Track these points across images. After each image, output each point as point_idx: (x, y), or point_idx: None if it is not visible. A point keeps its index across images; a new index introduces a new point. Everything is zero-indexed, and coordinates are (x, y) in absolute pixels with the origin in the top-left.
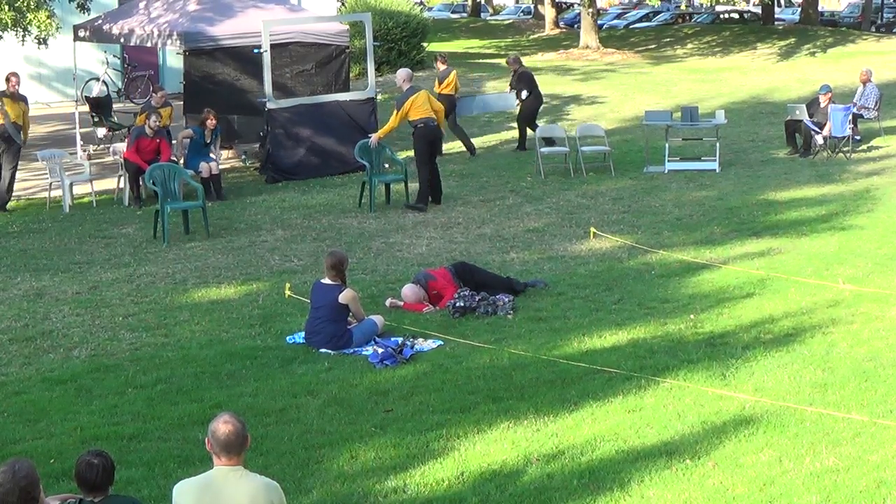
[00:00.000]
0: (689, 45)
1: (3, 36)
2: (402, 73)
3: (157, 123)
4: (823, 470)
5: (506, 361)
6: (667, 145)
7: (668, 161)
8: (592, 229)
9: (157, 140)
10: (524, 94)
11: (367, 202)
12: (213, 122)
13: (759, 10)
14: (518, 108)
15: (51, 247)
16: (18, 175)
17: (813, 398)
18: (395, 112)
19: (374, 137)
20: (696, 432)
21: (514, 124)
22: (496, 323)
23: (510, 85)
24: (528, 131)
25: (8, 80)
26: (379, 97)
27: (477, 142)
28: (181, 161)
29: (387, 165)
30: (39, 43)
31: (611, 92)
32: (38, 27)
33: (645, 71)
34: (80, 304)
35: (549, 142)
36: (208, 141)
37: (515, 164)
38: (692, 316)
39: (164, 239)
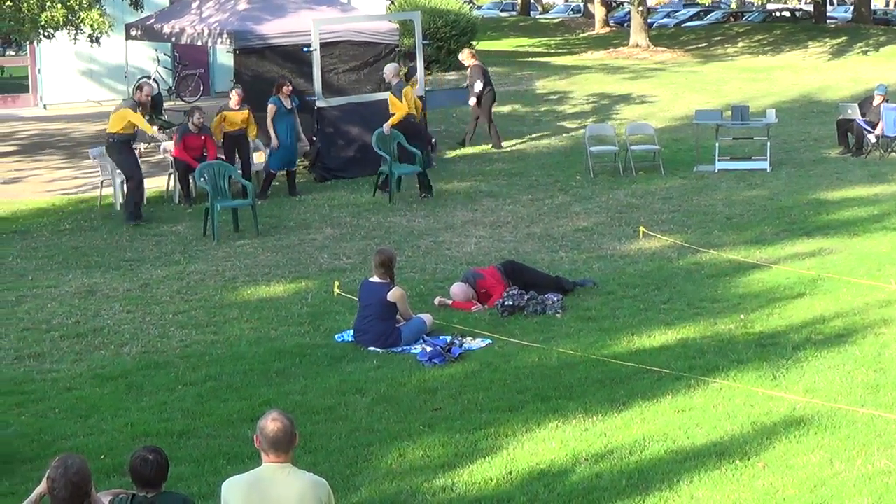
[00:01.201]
0: (740, 44)
1: (56, 35)
2: (392, 67)
3: (201, 120)
4: (875, 472)
5: (554, 361)
6: (717, 144)
7: (719, 160)
8: (642, 228)
9: (202, 137)
10: (478, 86)
11: (380, 193)
12: (289, 88)
13: (810, 8)
14: (474, 102)
15: (102, 244)
16: (69, 172)
17: (865, 399)
18: (398, 100)
19: (386, 125)
20: (746, 433)
21: (566, 123)
22: (545, 322)
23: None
24: (487, 126)
25: (140, 88)
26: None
27: (526, 139)
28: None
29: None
30: (92, 41)
31: (661, 91)
32: (91, 25)
33: (695, 70)
34: (131, 302)
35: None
36: (289, 107)
37: (564, 162)
38: (742, 316)
39: (214, 237)
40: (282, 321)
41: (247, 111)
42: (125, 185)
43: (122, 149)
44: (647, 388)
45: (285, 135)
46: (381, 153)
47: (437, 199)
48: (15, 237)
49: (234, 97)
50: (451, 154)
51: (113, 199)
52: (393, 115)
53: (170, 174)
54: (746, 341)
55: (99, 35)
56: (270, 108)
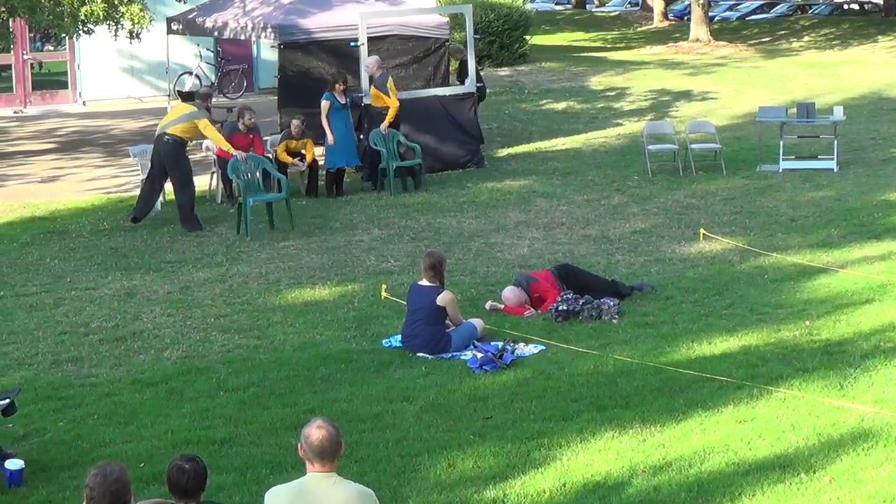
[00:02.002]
0: (806, 38)
1: (95, 30)
2: (374, 60)
3: (252, 121)
4: None
5: (611, 368)
6: (781, 143)
7: (783, 160)
8: (702, 231)
9: (251, 136)
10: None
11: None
12: (342, 86)
13: (880, 0)
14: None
15: (142, 245)
16: (109, 171)
17: None
18: (386, 95)
19: (383, 125)
20: (812, 445)
21: (623, 120)
22: (601, 328)
23: (457, 76)
24: None
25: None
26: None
27: (581, 138)
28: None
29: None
30: (132, 37)
31: (722, 87)
32: (132, 20)
33: (758, 65)
34: (172, 305)
35: None
36: (343, 102)
37: (621, 161)
38: (807, 322)
39: (247, 232)
40: (327, 325)
41: (307, 140)
42: (182, 191)
43: (179, 152)
44: (707, 398)
45: (341, 131)
46: (377, 149)
47: (488, 200)
48: (53, 237)
49: (295, 126)
50: (502, 152)
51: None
52: (380, 109)
53: (212, 173)
54: (812, 349)
55: (139, 30)
56: (324, 104)
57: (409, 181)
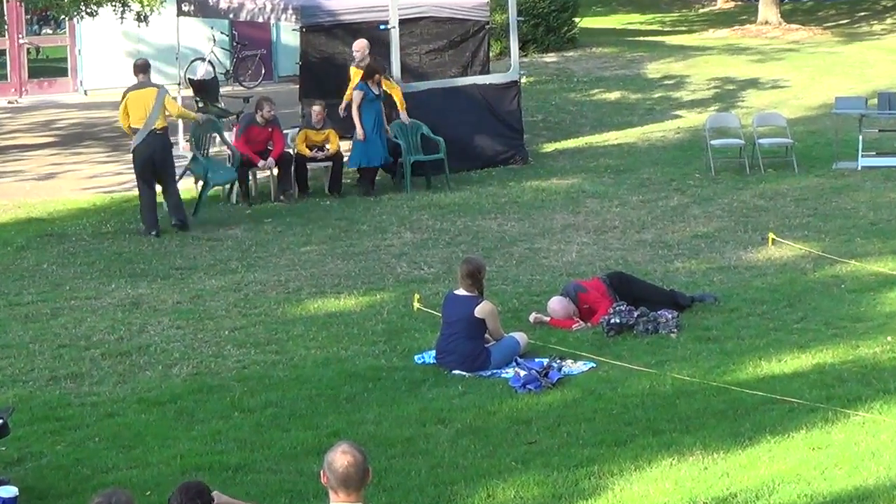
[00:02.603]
0: (889, 20)
1: (98, 12)
2: (361, 43)
3: (272, 113)
4: None
5: (668, 388)
6: (860, 137)
7: (862, 156)
8: (771, 235)
9: (269, 129)
10: None
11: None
12: (379, 76)
13: None
14: None
15: (148, 250)
16: (113, 167)
17: None
18: (391, 82)
19: (404, 116)
20: (894, 475)
21: (683, 112)
22: (657, 343)
23: None
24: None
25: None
26: (523, 80)
27: (636, 131)
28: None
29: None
30: (140, 20)
31: (794, 75)
32: (140, 1)
33: (835, 50)
34: (181, 316)
35: None
36: (377, 93)
37: (681, 158)
38: (889, 338)
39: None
40: (353, 339)
41: (329, 131)
42: (174, 185)
43: (169, 144)
44: (776, 421)
45: (371, 126)
46: (397, 142)
47: (532, 201)
48: (51, 241)
49: (316, 113)
50: (548, 147)
51: (163, 198)
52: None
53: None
54: (894, 367)
55: (149, 12)
56: (357, 94)
57: (432, 178)
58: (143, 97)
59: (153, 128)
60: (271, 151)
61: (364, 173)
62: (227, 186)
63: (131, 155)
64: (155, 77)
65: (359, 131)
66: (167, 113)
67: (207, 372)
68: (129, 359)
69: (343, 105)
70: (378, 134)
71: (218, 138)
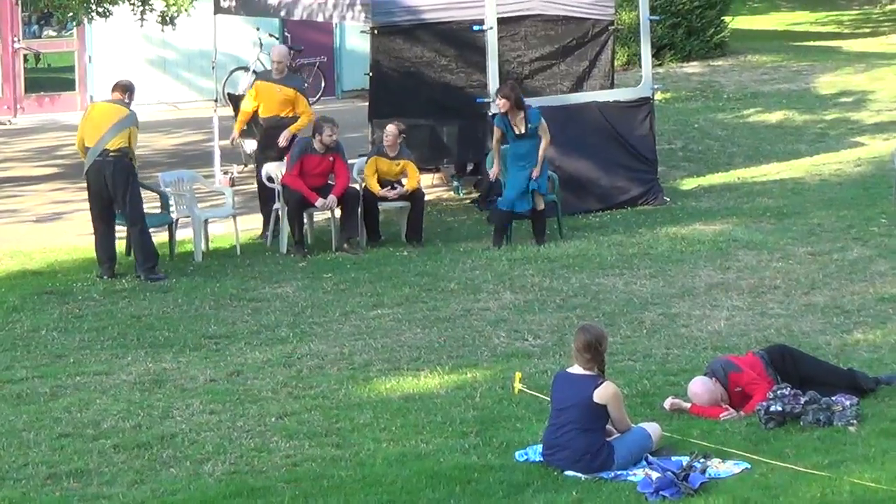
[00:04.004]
0: None
1: (112, 11)
2: (281, 50)
3: (333, 138)
4: None
5: (846, 496)
6: None
7: None
8: None
9: (330, 158)
10: None
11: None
12: (507, 102)
13: None
14: None
15: (175, 312)
16: None
17: None
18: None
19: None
20: None
21: (864, 138)
22: (832, 437)
23: None
24: None
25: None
26: (657, 97)
27: (804, 163)
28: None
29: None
30: (165, 22)
31: None
32: (165, 0)
33: None
34: (216, 397)
35: None
36: (521, 132)
37: (863, 198)
38: None
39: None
40: (436, 430)
41: (406, 162)
42: (136, 225)
43: (131, 172)
44: None
45: (516, 178)
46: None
47: (669, 252)
48: (51, 300)
49: (390, 139)
50: (689, 184)
51: (193, 245)
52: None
53: (274, 209)
54: None
55: (175, 14)
56: (496, 132)
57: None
58: (106, 112)
59: (106, 147)
60: (333, 187)
61: (501, 216)
62: (272, 231)
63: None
64: (184, 91)
65: (494, 169)
66: (124, 143)
67: (249, 470)
68: (148, 452)
69: (286, 136)
70: (521, 177)
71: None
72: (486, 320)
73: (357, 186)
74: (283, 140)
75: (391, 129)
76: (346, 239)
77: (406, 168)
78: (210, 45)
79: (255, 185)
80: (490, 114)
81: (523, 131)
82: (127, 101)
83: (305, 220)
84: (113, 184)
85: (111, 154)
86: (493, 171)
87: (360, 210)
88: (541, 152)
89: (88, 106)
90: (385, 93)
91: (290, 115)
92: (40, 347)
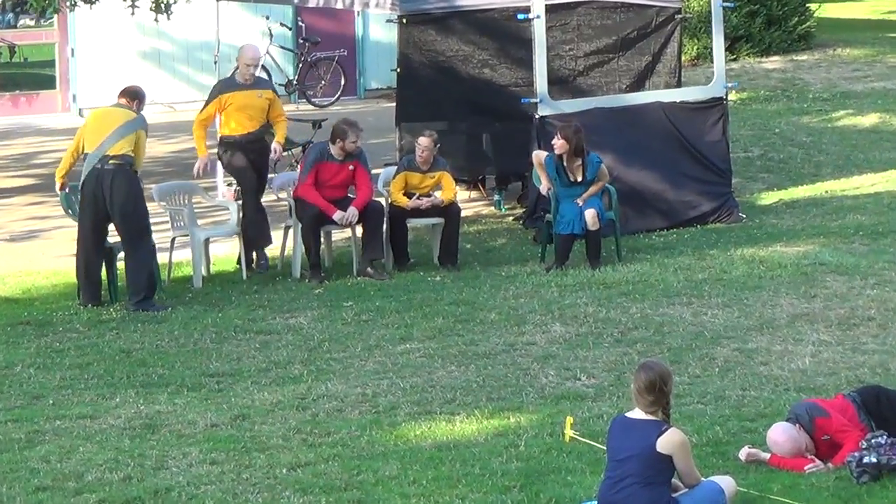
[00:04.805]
0: None
1: None
2: (250, 50)
3: (356, 144)
4: None
5: None
6: None
7: None
8: None
9: (349, 166)
10: None
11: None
12: (565, 145)
13: None
14: None
15: (171, 346)
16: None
17: None
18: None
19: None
20: None
21: None
22: None
23: None
24: None
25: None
26: (732, 97)
27: None
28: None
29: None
30: (159, 10)
31: None
32: None
33: None
34: (218, 445)
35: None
36: (575, 180)
37: None
38: None
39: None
40: (474, 484)
41: (442, 173)
42: (139, 245)
43: (134, 183)
44: None
45: (568, 216)
46: (536, 185)
47: (744, 278)
48: (27, 332)
49: (426, 149)
50: (769, 197)
51: (192, 268)
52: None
53: (286, 227)
54: None
55: (172, 0)
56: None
57: (608, 245)
58: (109, 114)
59: (106, 153)
60: (353, 200)
61: (562, 243)
62: (285, 254)
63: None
64: (183, 89)
65: (544, 184)
66: (129, 149)
67: None
68: None
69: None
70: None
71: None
72: (532, 356)
73: (382, 201)
74: (277, 153)
75: (425, 142)
76: (370, 261)
77: (441, 179)
78: (212, 36)
79: (268, 199)
80: (537, 116)
81: (579, 180)
82: (136, 109)
83: (322, 239)
84: (111, 196)
85: (111, 161)
86: (542, 186)
87: (385, 227)
88: (592, 190)
89: (88, 114)
90: (415, 92)
91: (265, 123)
92: (15, 387)
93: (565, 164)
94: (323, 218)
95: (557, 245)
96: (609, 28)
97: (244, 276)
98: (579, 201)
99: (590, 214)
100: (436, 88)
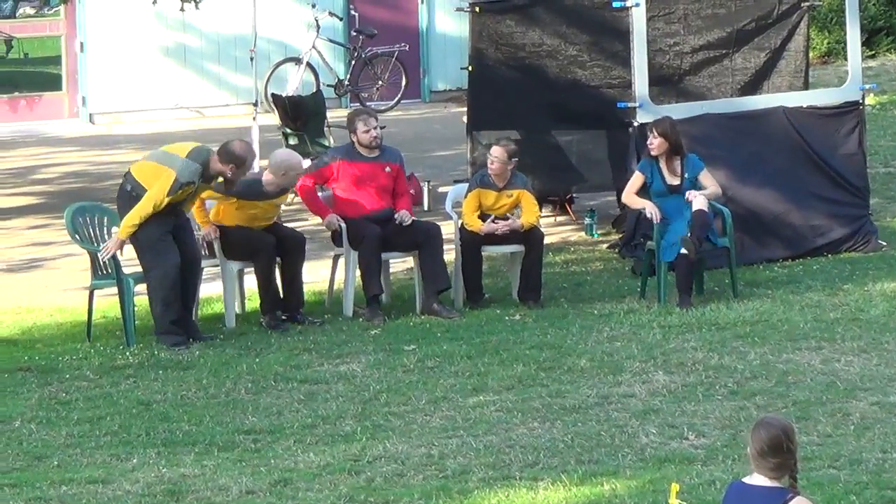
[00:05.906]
0: None
1: None
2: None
3: (371, 134)
4: None
5: None
6: None
7: None
8: None
9: (387, 167)
10: None
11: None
12: (664, 143)
13: None
14: None
15: (198, 398)
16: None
17: None
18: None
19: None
20: None
21: None
22: None
23: None
24: None
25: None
26: (869, 100)
27: None
28: None
29: None
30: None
31: None
32: None
33: None
34: None
35: None
36: (673, 183)
37: None
38: None
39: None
40: None
41: (521, 191)
42: (149, 273)
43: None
44: None
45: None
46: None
47: (886, 317)
48: (28, 380)
49: (498, 160)
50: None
51: (224, 302)
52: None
53: (335, 257)
54: None
55: None
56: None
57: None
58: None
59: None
60: (397, 201)
61: (680, 268)
62: (334, 288)
63: None
64: (212, 91)
65: (649, 209)
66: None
67: None
68: None
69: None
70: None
71: None
72: (631, 411)
73: (452, 224)
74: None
75: (498, 152)
76: (436, 296)
77: (520, 199)
78: (248, 29)
79: (315, 220)
80: (636, 123)
81: (677, 182)
82: (230, 174)
83: (377, 268)
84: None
85: (127, 178)
86: (649, 210)
87: (459, 258)
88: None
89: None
90: (490, 95)
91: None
92: (14, 445)
93: (662, 165)
94: (385, 241)
95: (681, 276)
96: (722, 18)
97: (283, 315)
98: (688, 195)
99: (699, 201)
100: (515, 90)
